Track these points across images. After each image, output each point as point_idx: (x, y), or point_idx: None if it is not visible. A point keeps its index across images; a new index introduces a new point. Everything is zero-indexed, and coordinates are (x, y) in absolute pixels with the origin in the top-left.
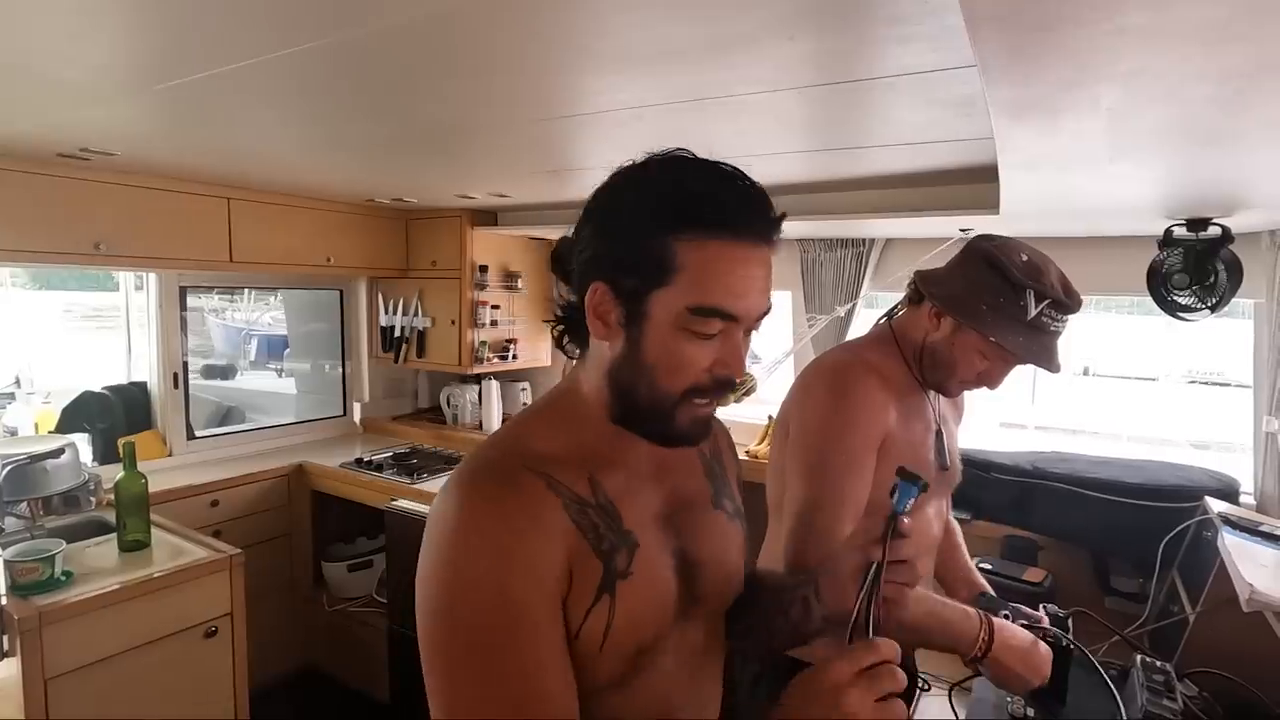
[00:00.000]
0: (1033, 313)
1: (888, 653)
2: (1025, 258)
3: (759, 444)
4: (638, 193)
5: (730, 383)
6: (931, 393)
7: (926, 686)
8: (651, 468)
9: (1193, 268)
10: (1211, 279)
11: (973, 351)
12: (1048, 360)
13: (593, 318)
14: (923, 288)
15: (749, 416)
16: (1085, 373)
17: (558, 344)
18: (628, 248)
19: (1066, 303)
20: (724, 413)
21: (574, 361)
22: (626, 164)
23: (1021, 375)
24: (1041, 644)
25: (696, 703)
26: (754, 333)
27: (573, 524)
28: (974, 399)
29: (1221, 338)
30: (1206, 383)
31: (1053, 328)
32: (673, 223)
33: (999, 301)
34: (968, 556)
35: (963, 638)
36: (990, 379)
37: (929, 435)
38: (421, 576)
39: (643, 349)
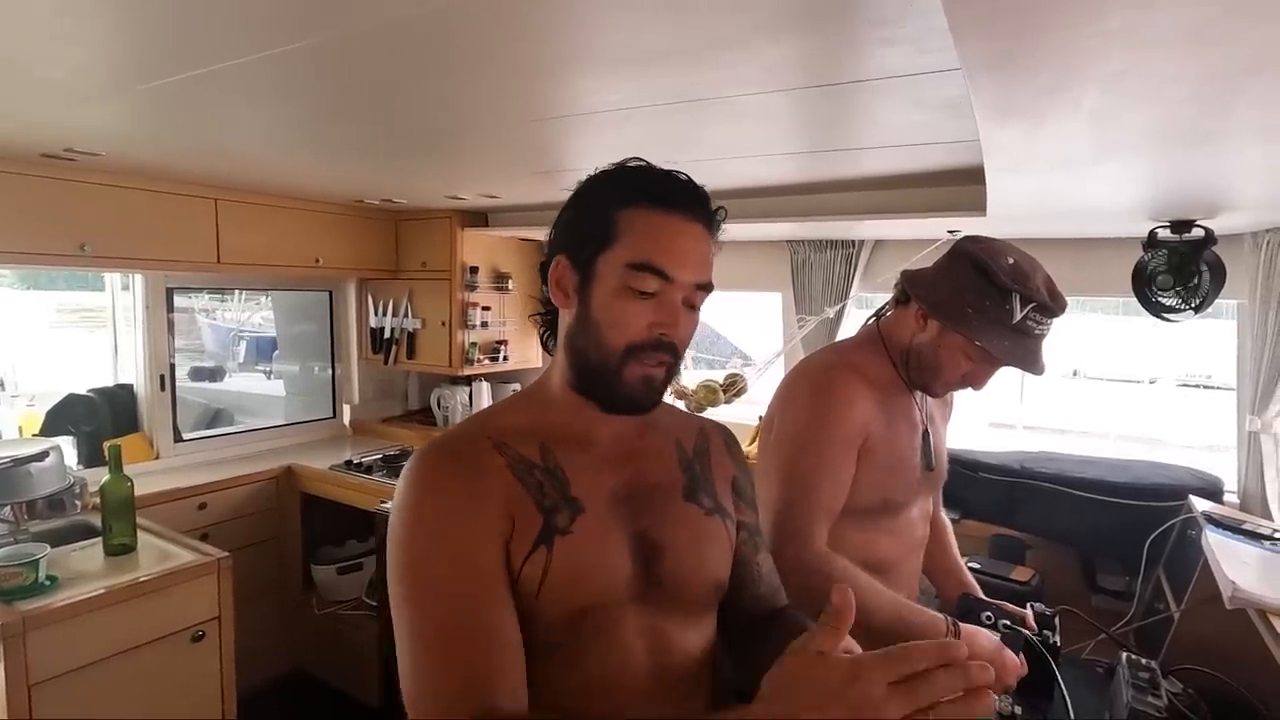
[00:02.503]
0: (1018, 316)
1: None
2: (1012, 261)
3: (749, 445)
4: (594, 182)
5: (671, 345)
6: (919, 393)
7: None
8: (616, 452)
9: (1176, 269)
10: (1195, 280)
11: (958, 353)
12: (1031, 363)
13: (555, 289)
14: (909, 289)
15: (740, 417)
16: (1074, 374)
17: (544, 344)
18: (582, 221)
19: (1051, 306)
20: (714, 413)
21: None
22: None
23: (1009, 376)
24: (1008, 651)
25: (663, 692)
26: (697, 309)
27: (516, 479)
28: (961, 398)
29: (1209, 340)
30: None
31: (1037, 331)
32: (619, 196)
33: (985, 305)
34: (957, 555)
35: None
36: (975, 380)
37: (914, 436)
38: (389, 538)
39: (591, 308)
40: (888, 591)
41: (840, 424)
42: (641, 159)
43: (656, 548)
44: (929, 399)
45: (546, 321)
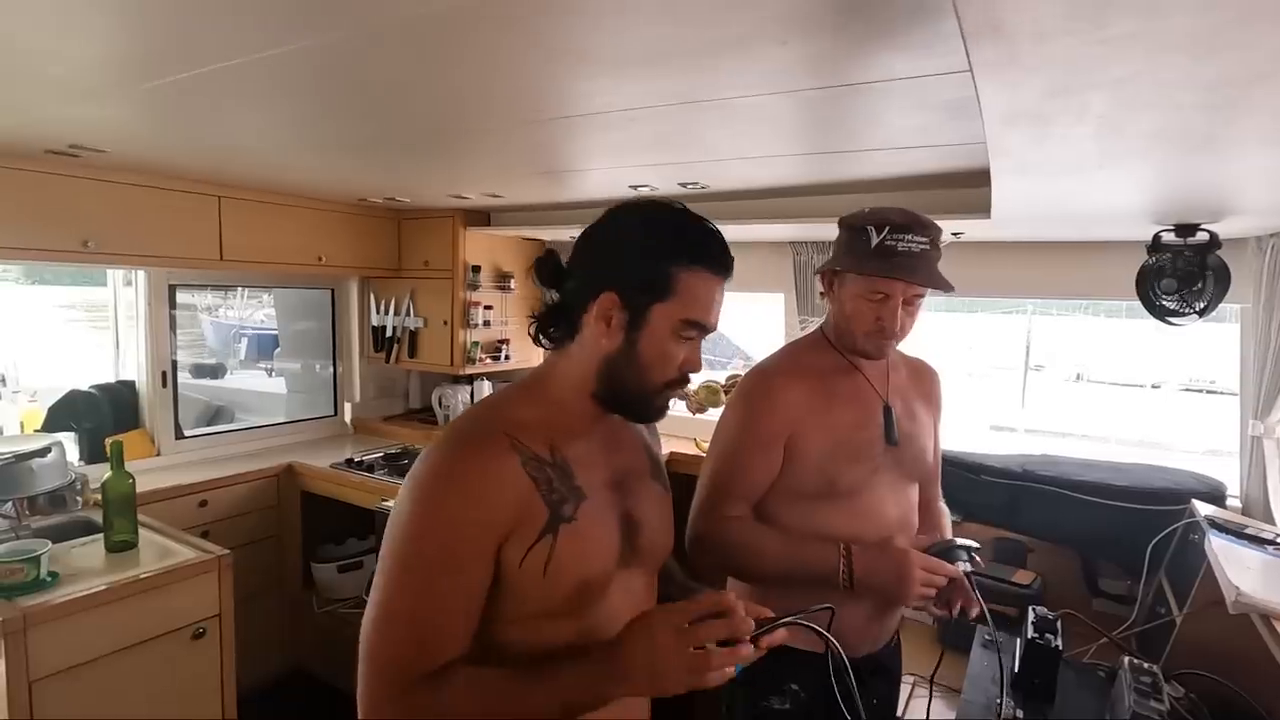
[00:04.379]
0: (875, 240)
1: (721, 604)
2: (869, 209)
3: None
4: (649, 227)
5: (688, 378)
6: (877, 373)
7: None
8: (606, 444)
9: (1181, 273)
10: (1199, 284)
11: (856, 299)
12: (908, 273)
13: (598, 320)
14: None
15: None
16: (1078, 378)
17: (534, 339)
18: (641, 269)
19: (903, 223)
20: (716, 412)
21: (549, 350)
22: (623, 201)
23: (1011, 379)
24: (905, 558)
25: None
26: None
27: (529, 477)
28: (961, 400)
29: (1214, 344)
30: (1198, 390)
31: (902, 247)
32: (677, 255)
33: (852, 245)
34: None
35: (824, 571)
36: (885, 317)
37: (867, 413)
38: (395, 507)
39: (640, 349)
40: (780, 535)
41: (755, 424)
42: (679, 203)
43: (637, 523)
44: (897, 379)
45: (543, 322)
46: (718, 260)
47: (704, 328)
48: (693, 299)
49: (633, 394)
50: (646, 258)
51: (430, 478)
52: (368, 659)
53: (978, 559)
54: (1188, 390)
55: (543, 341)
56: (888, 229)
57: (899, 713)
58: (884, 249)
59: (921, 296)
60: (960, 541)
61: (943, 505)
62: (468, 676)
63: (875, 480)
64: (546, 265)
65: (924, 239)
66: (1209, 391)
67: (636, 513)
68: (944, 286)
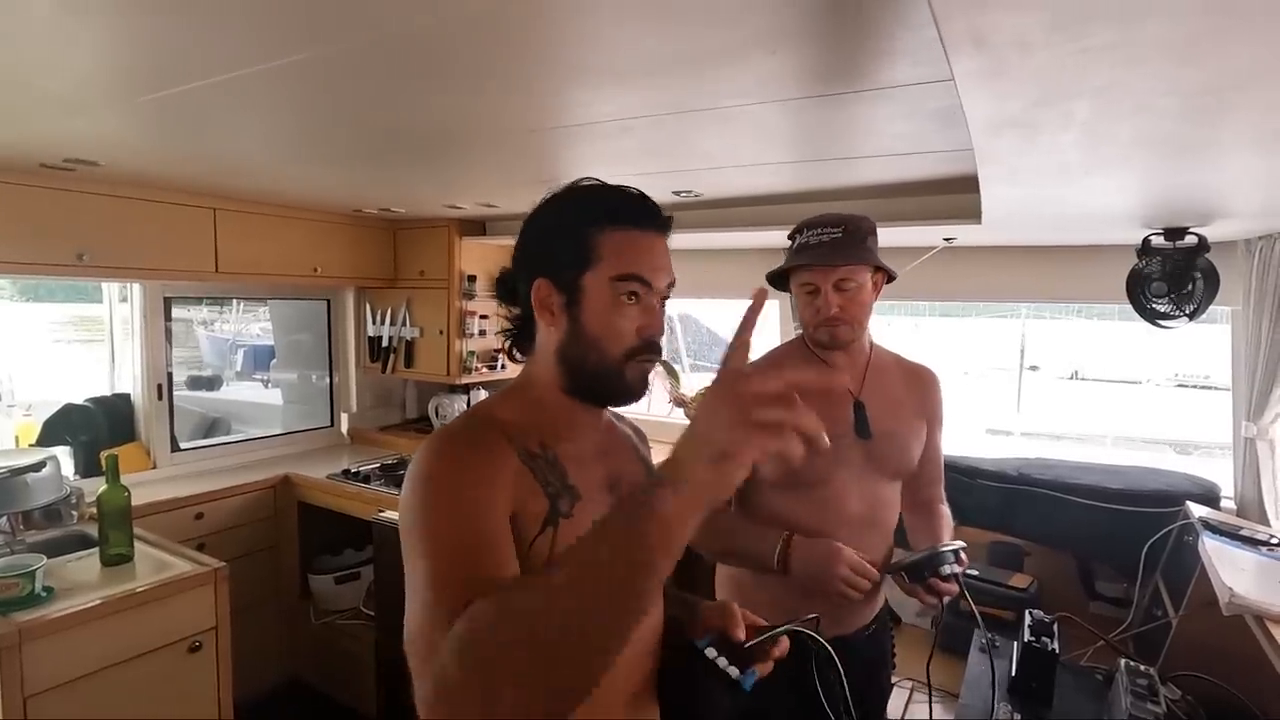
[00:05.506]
0: (797, 241)
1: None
2: (804, 221)
3: None
4: (563, 206)
5: (655, 342)
6: (853, 371)
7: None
8: (596, 448)
9: (1170, 276)
10: (1189, 287)
11: (797, 297)
12: (815, 258)
13: (541, 309)
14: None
15: None
16: (1073, 377)
17: (508, 355)
18: (561, 245)
19: (815, 220)
20: None
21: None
22: (547, 195)
23: (1007, 382)
24: (834, 554)
25: (636, 645)
26: (665, 301)
27: (525, 466)
28: (957, 403)
29: (1206, 341)
30: (1193, 386)
31: (814, 240)
32: (593, 220)
33: (789, 249)
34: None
35: (764, 550)
36: (823, 304)
37: (836, 407)
38: (403, 502)
39: (584, 324)
40: (738, 517)
41: None
42: (593, 178)
43: None
44: (881, 379)
45: (514, 335)
46: (637, 213)
47: (642, 280)
48: (619, 256)
49: (595, 374)
50: (564, 234)
51: (433, 461)
52: (417, 646)
53: (963, 556)
54: (1181, 386)
55: (516, 356)
56: (805, 229)
57: (900, 715)
58: (802, 247)
59: (855, 281)
60: (943, 546)
61: (944, 508)
62: (518, 580)
63: (840, 472)
64: (503, 282)
65: (835, 229)
66: (1203, 387)
67: None
68: (854, 261)
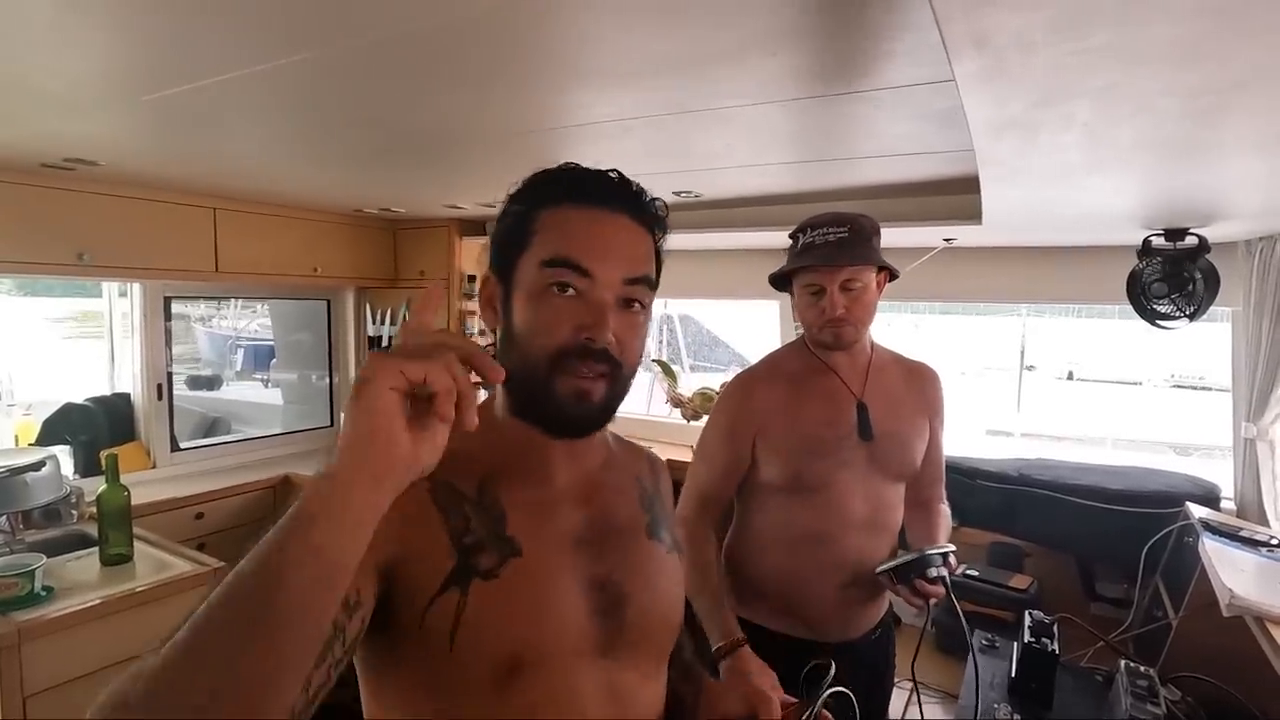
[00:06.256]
0: (803, 241)
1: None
2: (807, 220)
3: None
4: (512, 194)
5: (603, 352)
6: (854, 372)
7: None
8: (576, 491)
9: (1171, 277)
10: (1189, 288)
11: (800, 298)
12: (824, 257)
13: (485, 308)
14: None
15: None
16: (1069, 376)
17: None
18: (503, 229)
19: (819, 220)
20: None
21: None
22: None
23: (1007, 383)
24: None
25: None
26: (639, 309)
27: (437, 509)
28: (957, 403)
29: (1202, 341)
30: (1189, 387)
31: (820, 240)
32: (535, 201)
33: (791, 251)
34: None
35: (716, 633)
36: (829, 305)
37: (839, 410)
38: None
39: (513, 318)
40: (720, 587)
41: (722, 424)
42: (572, 163)
43: (620, 595)
44: (883, 380)
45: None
46: (579, 189)
47: (575, 267)
48: (555, 236)
49: (521, 382)
50: (506, 217)
51: None
52: None
53: (952, 560)
54: (1178, 387)
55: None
56: (809, 229)
57: (900, 715)
58: (806, 247)
59: (861, 281)
60: (931, 549)
61: (944, 508)
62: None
63: (843, 475)
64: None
65: (840, 229)
66: (1202, 388)
67: (620, 579)
68: (860, 261)
